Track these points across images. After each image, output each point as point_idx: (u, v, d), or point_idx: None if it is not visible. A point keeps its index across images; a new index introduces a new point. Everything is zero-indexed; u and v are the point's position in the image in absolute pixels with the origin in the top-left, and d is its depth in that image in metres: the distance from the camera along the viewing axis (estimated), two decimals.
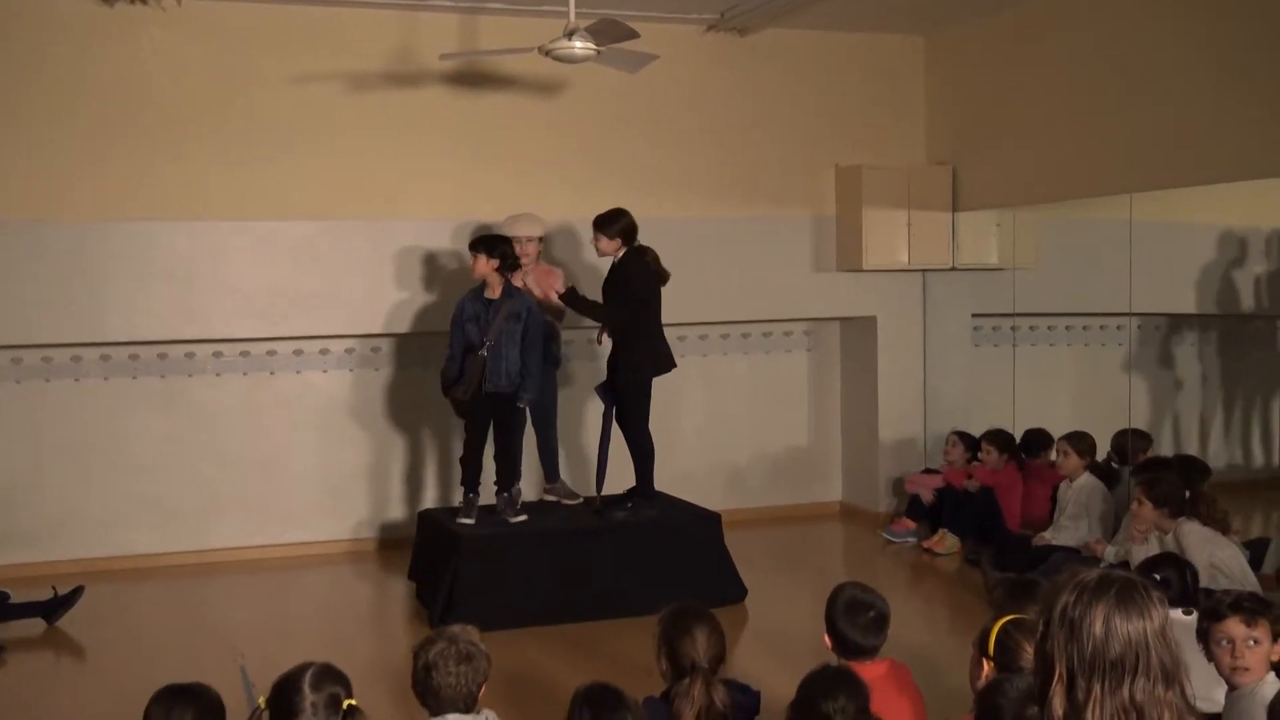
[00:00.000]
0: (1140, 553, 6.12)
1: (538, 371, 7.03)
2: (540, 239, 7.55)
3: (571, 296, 7.13)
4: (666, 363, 7.13)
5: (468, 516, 6.95)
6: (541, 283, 7.40)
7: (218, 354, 8.25)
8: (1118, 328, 8.87)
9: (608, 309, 7.06)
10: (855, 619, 3.87)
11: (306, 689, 3.07)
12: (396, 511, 8.56)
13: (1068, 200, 8.19)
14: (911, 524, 8.46)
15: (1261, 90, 6.55)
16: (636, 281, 6.97)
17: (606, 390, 7.23)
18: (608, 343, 7.29)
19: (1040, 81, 8.12)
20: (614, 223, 7.02)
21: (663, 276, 7.07)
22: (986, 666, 3.34)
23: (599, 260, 8.26)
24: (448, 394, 7.05)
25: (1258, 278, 8.55)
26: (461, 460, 7.18)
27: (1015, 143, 8.38)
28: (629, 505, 7.15)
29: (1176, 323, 9.03)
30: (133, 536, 8.06)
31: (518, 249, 7.27)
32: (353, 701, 3.10)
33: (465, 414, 7.08)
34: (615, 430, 7.23)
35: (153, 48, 7.68)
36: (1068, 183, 7.98)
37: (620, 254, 7.02)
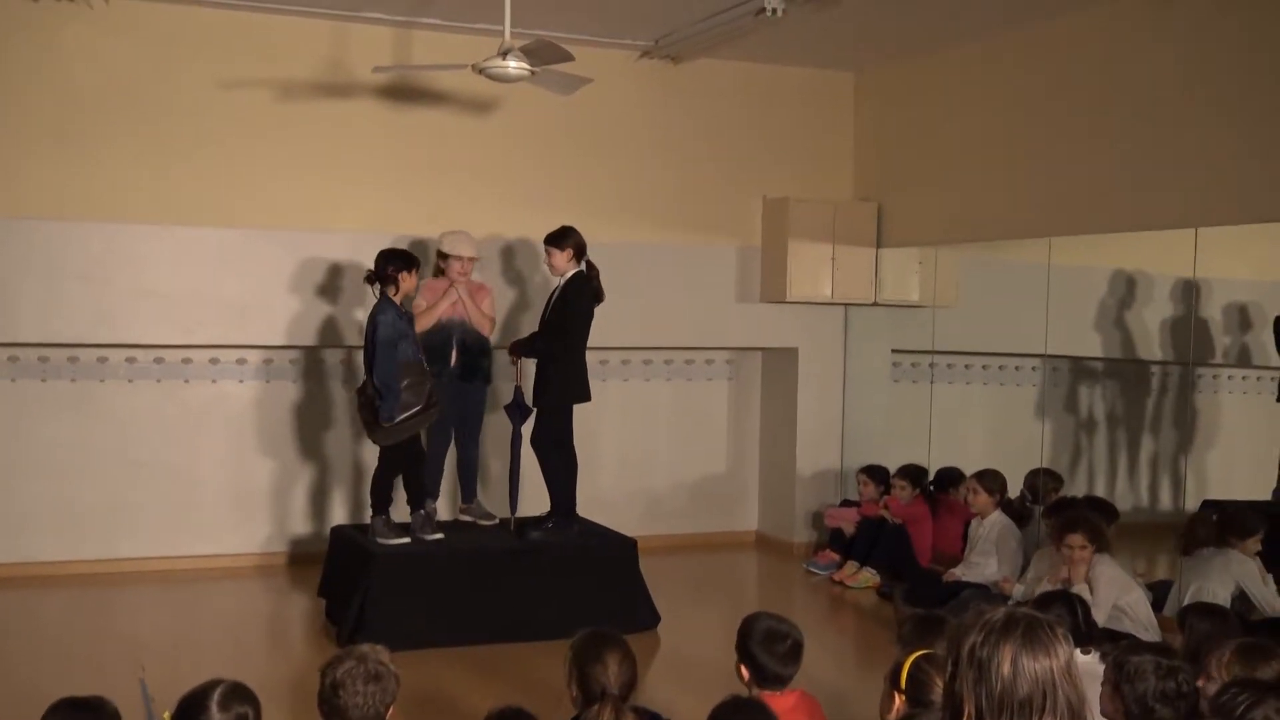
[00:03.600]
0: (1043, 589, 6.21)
1: None
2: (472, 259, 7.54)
3: (518, 348, 7.27)
4: (586, 392, 7.14)
5: (394, 536, 6.86)
6: (474, 297, 7.40)
7: (131, 359, 8.10)
8: (1033, 369, 9.04)
9: (549, 344, 7.06)
10: (772, 647, 3.88)
11: (214, 708, 3.01)
12: (307, 526, 8.44)
13: (989, 241, 8.34)
14: (836, 556, 8.51)
15: (1177, 141, 6.73)
16: (576, 310, 7.00)
17: (515, 411, 7.23)
18: (527, 364, 7.30)
19: (966, 124, 8.27)
20: (567, 238, 7.06)
21: (599, 298, 7.10)
22: (898, 700, 3.36)
23: (515, 276, 8.26)
24: (397, 423, 6.66)
25: (1167, 324, 8.76)
26: (384, 481, 6.96)
27: (940, 183, 8.52)
28: (549, 525, 7.13)
29: (1089, 366, 9.22)
30: (37, 543, 7.87)
31: (458, 266, 7.29)
32: None
33: (399, 436, 6.80)
34: (526, 450, 7.23)
35: (77, 46, 7.55)
36: (989, 224, 8.13)
37: (570, 273, 7.04)
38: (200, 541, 8.21)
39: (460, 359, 7.32)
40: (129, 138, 7.64)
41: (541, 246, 7.25)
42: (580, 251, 7.08)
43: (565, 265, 7.06)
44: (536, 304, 8.02)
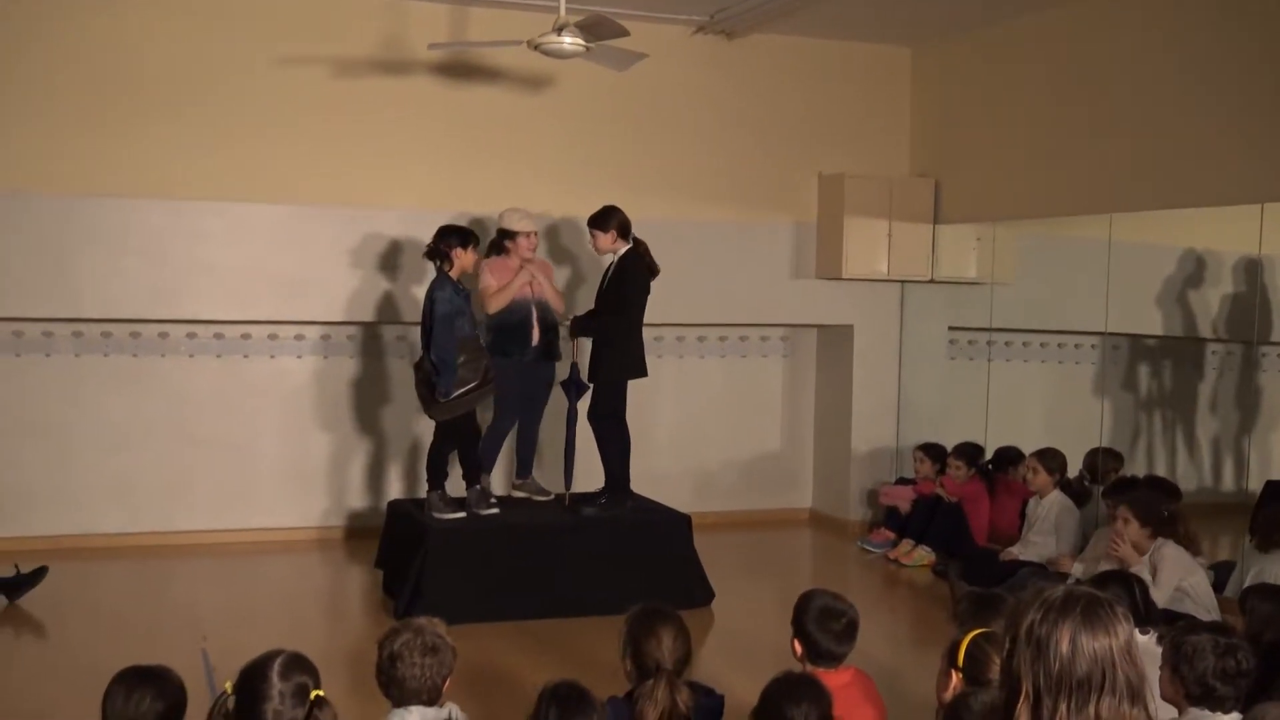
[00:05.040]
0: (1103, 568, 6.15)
1: None
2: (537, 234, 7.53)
3: (577, 326, 7.18)
4: (642, 368, 7.14)
5: (449, 511, 6.90)
6: (541, 274, 7.38)
7: (191, 335, 8.20)
8: (1092, 346, 8.92)
9: (607, 320, 7.05)
10: (827, 625, 3.86)
11: (275, 677, 3.03)
12: (364, 500, 8.52)
13: (1048, 218, 8.23)
14: (891, 534, 8.45)
15: (1241, 117, 6.61)
16: (634, 286, 6.98)
17: (570, 387, 7.23)
18: (583, 340, 7.30)
19: (1024, 99, 8.16)
20: (610, 218, 7.03)
21: (654, 271, 7.08)
22: (955, 678, 3.34)
23: (570, 253, 8.26)
24: (454, 399, 6.74)
25: (1231, 302, 8.61)
26: (440, 456, 7.03)
27: (998, 158, 8.42)
28: (601, 500, 7.15)
29: (1150, 344, 9.08)
30: (99, 516, 8.00)
31: (526, 243, 7.25)
32: (320, 692, 3.07)
33: (455, 412, 6.87)
34: (580, 426, 7.24)
35: (139, 24, 7.63)
36: (1048, 200, 8.03)
37: (620, 252, 7.02)
38: (259, 515, 8.32)
39: (543, 337, 7.33)
40: (188, 115, 7.71)
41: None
42: (624, 230, 7.03)
43: (610, 245, 7.04)
44: (592, 280, 8.02)
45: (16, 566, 6.71)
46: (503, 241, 7.27)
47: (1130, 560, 6.08)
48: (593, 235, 7.10)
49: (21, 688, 5.51)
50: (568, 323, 7.32)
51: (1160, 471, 8.59)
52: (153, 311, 7.84)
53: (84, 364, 8.02)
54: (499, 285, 7.13)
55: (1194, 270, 8.71)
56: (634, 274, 6.99)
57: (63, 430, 7.96)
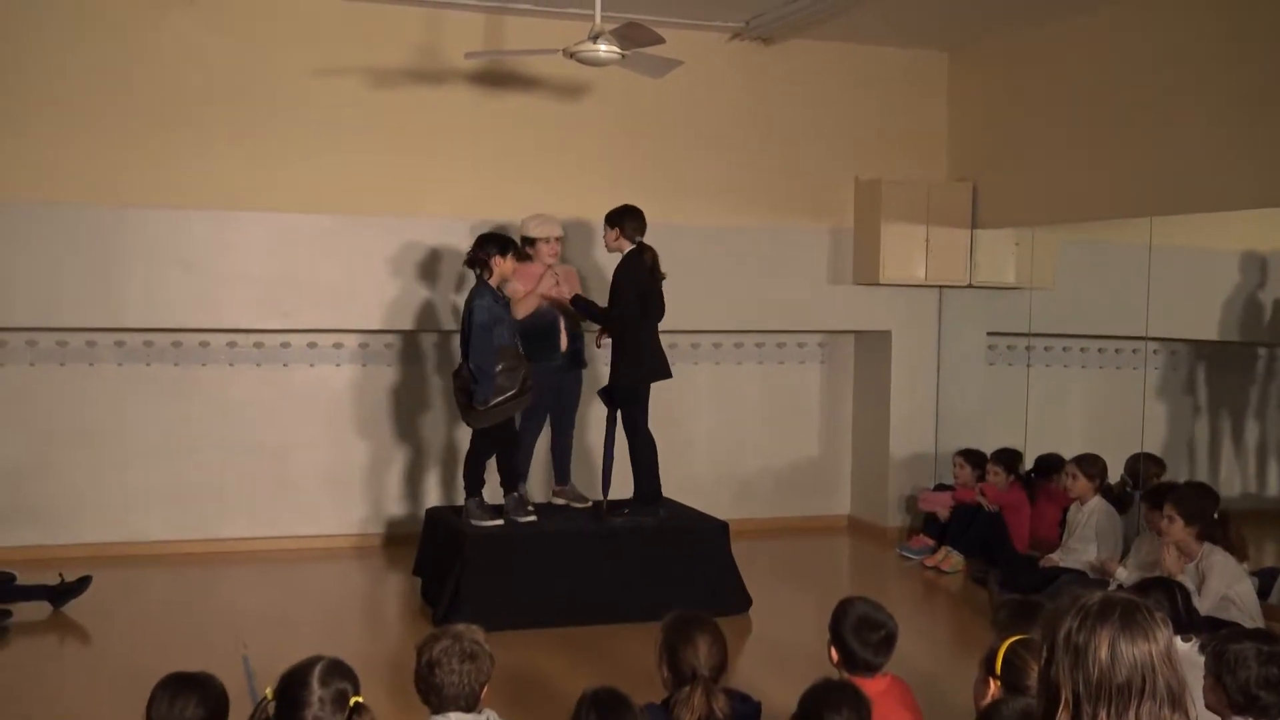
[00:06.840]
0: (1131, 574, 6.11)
1: None
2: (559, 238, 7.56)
3: (578, 300, 7.20)
4: (661, 371, 7.10)
5: (487, 518, 6.93)
6: (565, 281, 7.41)
7: (232, 344, 8.27)
8: (1134, 351, 8.84)
9: (604, 311, 7.09)
10: (865, 637, 3.85)
11: (315, 684, 3.06)
12: (403, 508, 8.56)
13: (1087, 222, 8.17)
14: (930, 541, 8.41)
15: None
16: (629, 283, 6.97)
17: (608, 394, 7.25)
18: (608, 345, 7.31)
19: (1063, 102, 8.11)
20: (624, 218, 7.04)
21: (658, 277, 7.07)
22: (993, 686, 3.32)
23: (609, 261, 8.28)
24: (492, 407, 6.74)
25: (1275, 304, 8.53)
26: (478, 464, 7.04)
27: (1037, 162, 8.36)
28: (625, 510, 7.15)
29: (1193, 348, 9.00)
30: (142, 523, 8.08)
31: (548, 249, 7.30)
32: (360, 699, 3.09)
33: (493, 420, 6.88)
34: (620, 433, 7.25)
35: (181, 39, 7.71)
36: (1088, 204, 7.96)
37: (623, 251, 7.04)
38: (299, 522, 8.37)
39: (571, 344, 7.36)
40: (228, 126, 7.79)
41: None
42: (637, 233, 7.03)
43: (613, 243, 7.07)
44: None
45: (61, 575, 6.78)
46: (525, 248, 7.33)
47: (1176, 571, 5.99)
48: (605, 230, 7.13)
49: (66, 694, 5.57)
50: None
51: (1203, 477, 8.51)
52: (194, 321, 7.92)
53: (126, 373, 8.11)
54: (525, 291, 7.18)
55: (1237, 273, 8.62)
56: (626, 273, 6.97)
57: (106, 439, 8.05)
